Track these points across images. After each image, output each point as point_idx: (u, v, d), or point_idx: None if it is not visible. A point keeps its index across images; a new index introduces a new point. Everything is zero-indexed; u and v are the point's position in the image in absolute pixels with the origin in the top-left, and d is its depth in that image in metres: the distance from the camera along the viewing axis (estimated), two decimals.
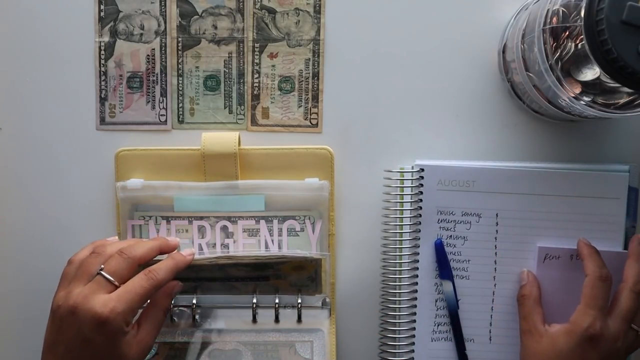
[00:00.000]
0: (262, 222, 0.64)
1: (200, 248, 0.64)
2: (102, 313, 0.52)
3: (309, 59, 0.66)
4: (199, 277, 0.64)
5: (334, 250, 0.65)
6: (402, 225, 0.64)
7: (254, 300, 0.64)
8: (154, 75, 0.66)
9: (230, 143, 0.63)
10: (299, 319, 0.64)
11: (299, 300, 0.64)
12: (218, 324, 0.64)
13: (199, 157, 0.63)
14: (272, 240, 0.64)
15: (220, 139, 0.63)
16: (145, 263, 0.57)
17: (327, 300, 0.64)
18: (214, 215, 0.64)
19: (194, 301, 0.64)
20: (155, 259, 0.58)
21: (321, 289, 0.64)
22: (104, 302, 0.53)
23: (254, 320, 0.64)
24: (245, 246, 0.64)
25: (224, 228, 0.64)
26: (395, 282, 0.64)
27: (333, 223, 0.65)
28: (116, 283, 0.54)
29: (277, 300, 0.64)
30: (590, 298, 0.57)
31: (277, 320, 0.64)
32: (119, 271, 0.55)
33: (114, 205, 0.65)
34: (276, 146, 0.64)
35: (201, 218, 0.64)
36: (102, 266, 0.55)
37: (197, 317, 0.64)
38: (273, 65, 0.66)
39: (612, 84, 0.53)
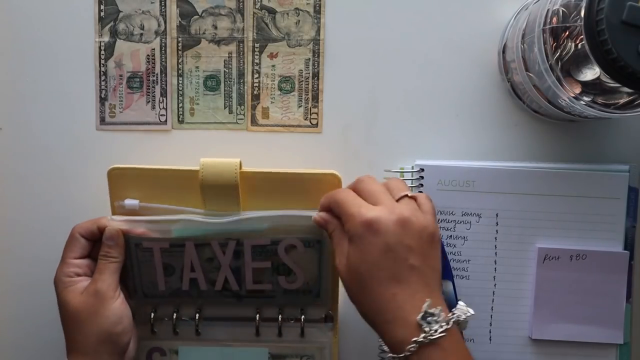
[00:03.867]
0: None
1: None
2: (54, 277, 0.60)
3: (309, 59, 0.66)
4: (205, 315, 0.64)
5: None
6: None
7: (257, 315, 0.63)
8: (154, 75, 0.66)
9: (230, 173, 0.58)
10: (302, 334, 0.63)
11: (302, 315, 0.63)
12: (220, 337, 0.64)
13: (196, 180, 0.59)
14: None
15: (220, 168, 0.58)
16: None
17: (330, 313, 0.64)
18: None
19: (197, 315, 0.64)
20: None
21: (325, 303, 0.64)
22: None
23: (257, 334, 0.64)
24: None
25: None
26: None
27: None
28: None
29: (280, 316, 0.63)
30: (346, 210, 0.55)
31: (280, 334, 0.63)
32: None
33: None
34: (280, 170, 0.60)
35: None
36: None
37: (199, 329, 0.64)
38: (273, 65, 0.66)
39: (612, 84, 0.53)
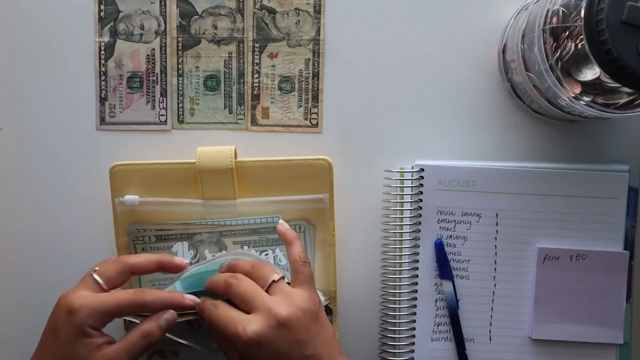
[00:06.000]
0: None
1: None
2: (73, 303, 0.53)
3: (309, 59, 0.66)
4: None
5: (334, 260, 0.64)
6: (402, 225, 0.64)
7: None
8: (154, 75, 0.66)
9: (225, 158, 0.62)
10: None
11: None
12: None
13: (195, 172, 0.62)
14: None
15: (216, 154, 0.62)
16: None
17: (330, 307, 0.64)
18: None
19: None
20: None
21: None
22: (80, 295, 0.53)
23: None
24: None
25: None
26: (395, 282, 0.64)
27: (333, 233, 0.64)
28: (104, 286, 0.55)
29: None
30: (307, 277, 0.57)
31: None
32: (107, 274, 0.55)
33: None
34: (274, 158, 0.63)
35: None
36: (96, 268, 0.56)
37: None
38: (273, 65, 0.66)
39: (612, 84, 0.53)
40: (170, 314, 0.55)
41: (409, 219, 0.64)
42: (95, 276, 0.55)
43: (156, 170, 0.63)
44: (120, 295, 0.54)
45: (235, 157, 0.63)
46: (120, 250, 0.64)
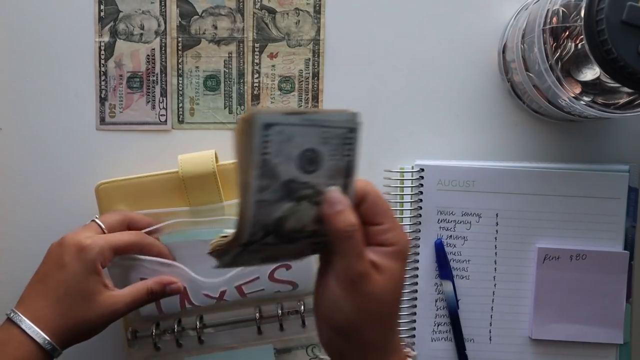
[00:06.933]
0: None
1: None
2: (83, 241, 0.56)
3: (309, 59, 0.66)
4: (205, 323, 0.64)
5: None
6: (402, 225, 0.64)
7: (257, 314, 0.63)
8: (154, 75, 0.66)
9: (207, 164, 0.61)
10: (303, 324, 0.63)
11: (302, 308, 0.63)
12: (224, 342, 0.64)
13: (179, 180, 0.62)
14: None
15: (197, 160, 0.62)
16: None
17: None
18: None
19: (198, 322, 0.63)
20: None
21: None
22: (89, 235, 0.57)
23: (259, 332, 0.63)
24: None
25: None
26: None
27: None
28: (105, 230, 0.59)
29: (279, 311, 0.63)
30: (393, 217, 0.47)
31: (281, 329, 0.63)
32: (110, 221, 0.59)
33: None
34: None
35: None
36: (97, 216, 0.61)
37: (202, 337, 0.63)
38: (273, 65, 0.66)
39: (612, 84, 0.53)
40: (177, 286, 0.58)
41: (409, 219, 0.64)
42: (98, 221, 0.59)
43: (141, 183, 0.62)
44: (126, 235, 0.59)
45: (217, 160, 0.62)
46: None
